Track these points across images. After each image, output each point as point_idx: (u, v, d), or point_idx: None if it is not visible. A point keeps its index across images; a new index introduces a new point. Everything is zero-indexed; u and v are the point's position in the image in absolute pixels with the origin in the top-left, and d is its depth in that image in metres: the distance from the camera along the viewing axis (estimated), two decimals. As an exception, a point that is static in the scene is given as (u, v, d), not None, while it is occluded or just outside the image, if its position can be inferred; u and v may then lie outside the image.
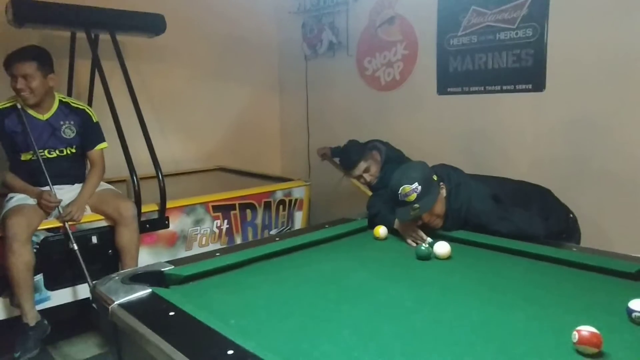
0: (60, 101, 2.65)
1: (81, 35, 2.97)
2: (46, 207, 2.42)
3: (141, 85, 3.32)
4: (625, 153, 2.61)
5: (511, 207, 2.02)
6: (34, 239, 2.35)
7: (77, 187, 2.65)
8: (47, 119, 2.58)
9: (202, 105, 4.18)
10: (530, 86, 2.94)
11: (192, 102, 4.12)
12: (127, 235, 2.53)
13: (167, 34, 3.19)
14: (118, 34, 2.97)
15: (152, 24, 3.11)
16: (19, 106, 2.51)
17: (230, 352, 1.08)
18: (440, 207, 2.03)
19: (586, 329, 1.10)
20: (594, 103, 2.69)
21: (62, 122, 2.61)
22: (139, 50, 3.65)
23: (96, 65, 2.85)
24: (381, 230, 2.07)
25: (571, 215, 2.27)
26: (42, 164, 2.47)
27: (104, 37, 3.01)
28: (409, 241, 2.00)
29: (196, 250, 2.89)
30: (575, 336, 1.11)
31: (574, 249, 1.80)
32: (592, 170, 2.73)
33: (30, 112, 2.54)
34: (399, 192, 1.94)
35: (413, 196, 1.92)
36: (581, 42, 2.70)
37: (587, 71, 2.70)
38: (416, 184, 1.92)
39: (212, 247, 2.95)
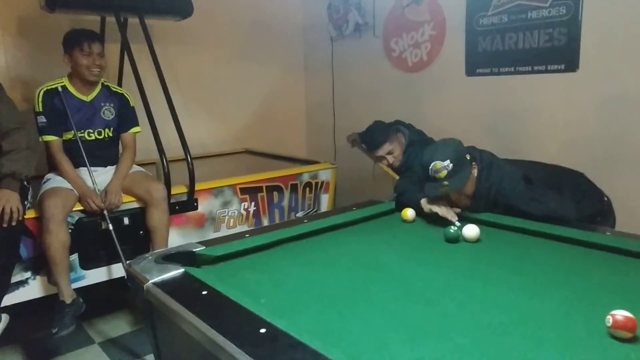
0: (102, 84, 2.75)
1: (111, 19, 3.01)
2: (89, 208, 2.48)
3: (169, 69, 3.35)
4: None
5: (543, 189, 1.99)
6: (69, 219, 2.42)
7: (110, 169, 2.72)
8: (90, 100, 2.68)
9: (228, 88, 4.20)
10: (562, 66, 2.86)
11: (218, 85, 4.15)
12: (157, 216, 2.58)
13: (194, 16, 3.19)
14: (146, 17, 2.99)
15: (180, 7, 3.12)
16: (66, 87, 2.62)
17: (262, 330, 1.11)
18: (469, 187, 2.01)
19: (620, 313, 1.09)
20: (630, 82, 2.60)
21: (102, 104, 2.71)
22: (166, 34, 3.68)
23: (125, 48, 2.89)
24: (409, 212, 2.07)
25: (605, 199, 2.22)
26: (81, 146, 2.57)
27: (133, 20, 3.04)
28: (441, 211, 1.95)
29: (224, 231, 2.94)
30: (609, 320, 1.10)
31: (608, 233, 1.77)
32: (628, 151, 2.65)
33: (75, 93, 2.65)
34: (430, 167, 1.93)
35: (443, 173, 1.92)
36: (616, 19, 2.60)
37: (622, 50, 2.61)
38: (448, 162, 1.91)
39: (239, 228, 2.99)
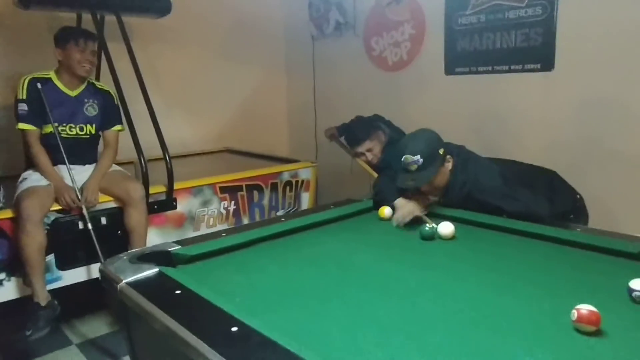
0: (88, 82, 2.73)
1: (87, 16, 2.97)
2: (66, 205, 2.46)
3: (148, 67, 3.32)
4: (636, 132, 2.57)
5: (517, 187, 2.02)
6: (45, 220, 2.39)
7: (89, 168, 2.69)
8: (75, 95, 2.66)
9: (209, 87, 4.18)
10: (538, 66, 2.90)
11: (199, 84, 4.13)
12: (135, 216, 2.57)
13: (173, 15, 3.18)
14: (123, 14, 2.97)
15: (157, 5, 3.10)
16: (52, 80, 2.60)
17: (234, 329, 1.11)
18: (440, 180, 2.05)
19: (585, 308, 1.12)
20: (604, 82, 2.66)
21: (86, 100, 2.69)
22: (146, 32, 3.64)
23: (102, 46, 2.85)
24: (386, 211, 2.08)
25: (578, 196, 2.26)
26: (60, 142, 2.54)
27: (111, 18, 3.01)
28: (407, 217, 1.97)
29: (204, 231, 2.93)
30: (574, 314, 1.12)
31: (578, 229, 1.80)
32: (602, 151, 2.71)
33: (62, 87, 2.62)
34: (402, 159, 1.97)
35: (414, 167, 1.95)
36: (592, 20, 2.65)
37: (597, 50, 2.66)
38: (418, 157, 1.94)
39: (219, 228, 2.98)
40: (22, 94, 2.51)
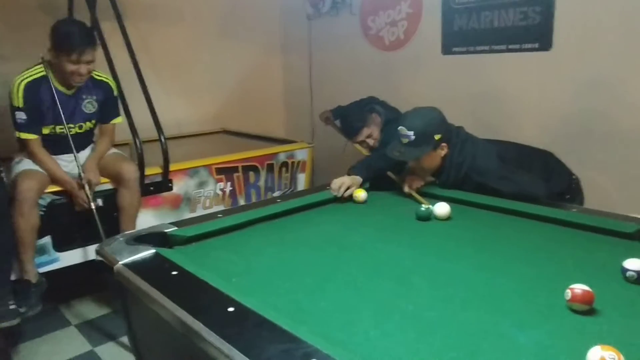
0: None
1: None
2: (80, 206, 2.45)
3: (142, 46, 3.28)
4: (634, 113, 2.57)
5: (514, 168, 2.02)
6: (41, 202, 2.38)
7: (83, 152, 2.66)
8: (72, 94, 2.53)
9: (204, 67, 4.14)
10: (536, 45, 2.88)
11: (194, 64, 4.08)
12: (128, 197, 2.56)
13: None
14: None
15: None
16: (49, 79, 2.45)
17: (231, 309, 1.12)
18: (429, 162, 2.08)
19: (579, 287, 1.13)
20: (602, 62, 2.64)
21: (84, 97, 2.56)
22: (138, 10, 3.58)
23: (95, 25, 2.81)
24: (362, 195, 2.07)
25: (574, 177, 2.26)
26: (70, 138, 2.48)
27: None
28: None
29: (200, 212, 2.93)
30: (568, 294, 1.14)
31: (574, 210, 1.81)
32: (598, 131, 2.70)
33: (58, 85, 2.47)
34: (399, 128, 2.01)
35: (405, 140, 1.99)
36: (590, -2, 2.62)
37: (595, 30, 2.63)
38: (412, 133, 1.97)
39: (215, 209, 2.98)
40: (19, 102, 2.36)
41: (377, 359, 0.98)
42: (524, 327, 1.08)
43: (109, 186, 2.62)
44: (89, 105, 2.58)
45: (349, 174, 2.18)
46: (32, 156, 2.46)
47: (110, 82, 2.66)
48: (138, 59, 2.85)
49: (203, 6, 4.06)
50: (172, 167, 2.78)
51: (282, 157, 3.32)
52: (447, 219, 1.82)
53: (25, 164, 2.45)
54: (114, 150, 2.80)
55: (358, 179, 2.14)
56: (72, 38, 2.35)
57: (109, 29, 2.84)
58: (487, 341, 1.03)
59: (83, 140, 2.66)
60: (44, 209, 2.40)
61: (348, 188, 2.08)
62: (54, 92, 2.44)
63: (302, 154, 3.42)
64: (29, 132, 2.41)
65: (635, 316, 1.11)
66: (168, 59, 3.91)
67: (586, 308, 1.12)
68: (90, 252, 2.59)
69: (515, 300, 1.21)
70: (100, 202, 2.58)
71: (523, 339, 1.03)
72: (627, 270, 1.27)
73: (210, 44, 4.15)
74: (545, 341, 1.02)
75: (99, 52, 2.83)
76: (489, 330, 1.07)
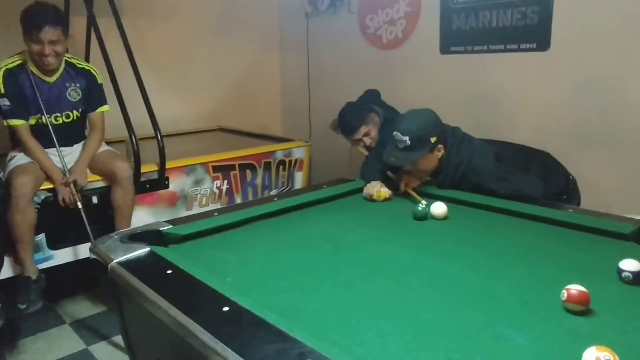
0: (66, 62, 2.57)
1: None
2: (64, 198, 2.41)
3: (138, 43, 3.26)
4: (632, 114, 2.57)
5: (511, 168, 2.02)
6: (35, 199, 2.37)
7: (77, 147, 2.65)
8: (54, 82, 2.51)
9: (201, 64, 4.12)
10: (534, 45, 2.87)
11: (191, 61, 4.06)
12: (121, 195, 2.53)
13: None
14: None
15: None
16: (28, 68, 2.43)
17: (225, 308, 1.11)
18: (426, 164, 2.07)
19: (575, 288, 1.13)
20: (599, 63, 2.63)
21: (67, 85, 2.55)
22: (135, 6, 3.57)
23: (92, 22, 2.79)
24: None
25: (570, 177, 2.27)
26: (52, 128, 2.46)
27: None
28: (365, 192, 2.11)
29: (196, 210, 2.92)
30: (564, 294, 1.13)
31: (570, 210, 1.81)
32: (596, 132, 2.70)
33: (38, 74, 2.46)
34: (394, 134, 2.01)
35: (401, 145, 1.99)
36: (589, -1, 2.62)
37: (593, 30, 2.63)
38: (407, 138, 1.97)
39: (212, 207, 2.97)
40: (0, 88, 2.37)
41: (372, 359, 0.97)
42: (519, 327, 1.08)
43: (102, 184, 2.60)
44: (73, 92, 2.56)
45: (365, 180, 2.20)
46: (22, 144, 2.46)
47: (92, 70, 2.64)
48: (135, 56, 2.83)
49: (200, 3, 4.04)
50: (169, 164, 2.76)
51: (279, 155, 3.31)
52: (444, 218, 1.82)
53: (19, 159, 2.44)
54: (106, 147, 2.77)
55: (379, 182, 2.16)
56: (32, 16, 2.33)
57: (106, 26, 2.81)
58: (482, 341, 1.03)
59: (72, 133, 2.64)
60: (37, 206, 2.39)
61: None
62: (32, 80, 2.42)
63: (299, 152, 3.41)
64: (15, 118, 2.41)
65: (631, 317, 1.11)
66: (165, 56, 3.89)
67: (582, 308, 1.11)
68: (84, 250, 2.56)
69: (512, 300, 1.20)
70: (95, 199, 2.57)
71: (519, 339, 1.03)
72: (623, 270, 1.26)
73: (208, 41, 4.13)
74: (540, 341, 1.02)
75: (95, 48, 2.84)
76: (484, 330, 1.07)
